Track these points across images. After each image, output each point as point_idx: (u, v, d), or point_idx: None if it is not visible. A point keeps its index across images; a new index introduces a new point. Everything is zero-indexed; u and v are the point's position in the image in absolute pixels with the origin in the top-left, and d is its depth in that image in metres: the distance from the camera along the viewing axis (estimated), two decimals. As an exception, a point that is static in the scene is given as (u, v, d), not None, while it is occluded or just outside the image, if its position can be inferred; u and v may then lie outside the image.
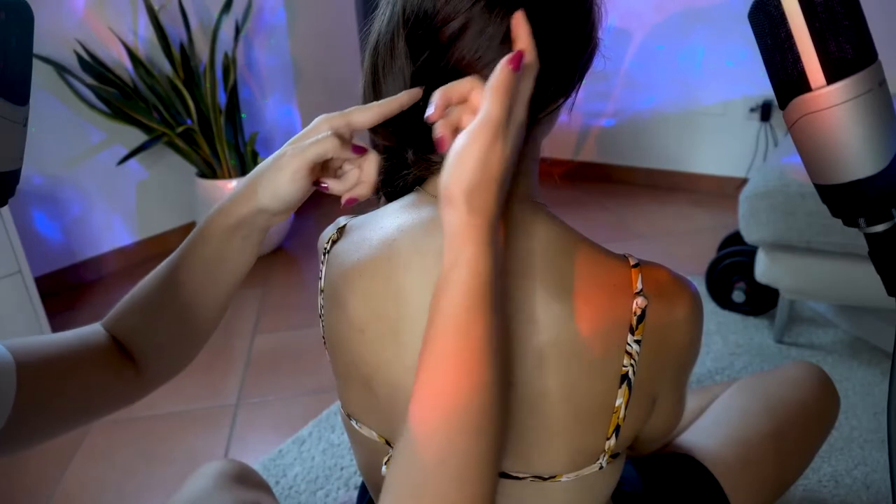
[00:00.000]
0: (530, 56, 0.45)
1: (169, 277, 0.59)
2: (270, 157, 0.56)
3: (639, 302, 0.50)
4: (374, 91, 0.55)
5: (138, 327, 0.60)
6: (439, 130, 0.47)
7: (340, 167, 0.58)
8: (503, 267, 0.46)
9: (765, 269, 1.62)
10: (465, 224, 0.42)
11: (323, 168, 0.57)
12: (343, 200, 0.58)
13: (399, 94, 0.52)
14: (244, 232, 0.58)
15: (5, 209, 1.75)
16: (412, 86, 0.51)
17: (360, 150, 0.56)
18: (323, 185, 0.57)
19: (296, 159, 0.54)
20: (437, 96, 0.46)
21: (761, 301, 1.82)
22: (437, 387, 0.42)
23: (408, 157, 0.55)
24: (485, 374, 0.42)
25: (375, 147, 0.58)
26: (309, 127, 0.56)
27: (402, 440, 0.44)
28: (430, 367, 0.43)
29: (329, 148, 0.53)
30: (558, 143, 3.30)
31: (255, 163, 2.47)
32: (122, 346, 0.60)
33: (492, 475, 0.43)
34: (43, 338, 0.54)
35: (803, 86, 0.43)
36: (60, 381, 0.52)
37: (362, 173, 0.57)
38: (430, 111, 0.46)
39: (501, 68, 0.44)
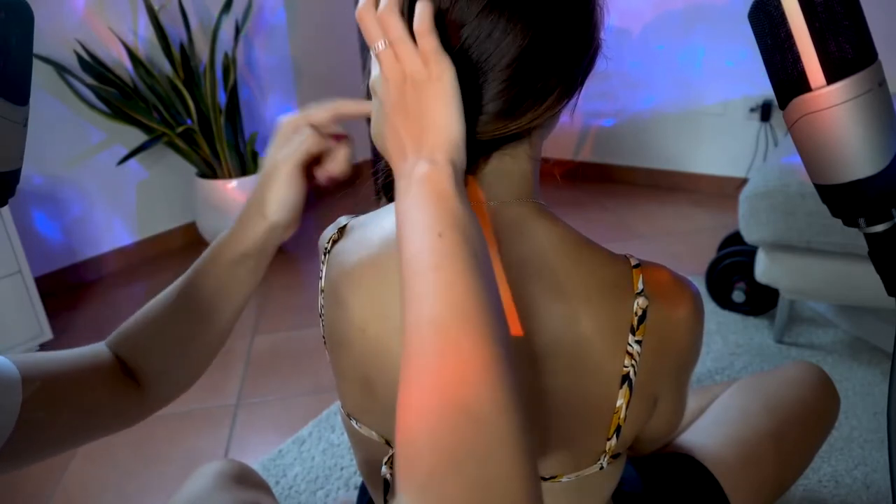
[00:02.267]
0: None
1: (175, 303, 0.59)
2: (258, 181, 0.58)
3: (640, 302, 0.50)
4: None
5: (143, 349, 0.60)
6: None
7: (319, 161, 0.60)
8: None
9: (765, 269, 1.62)
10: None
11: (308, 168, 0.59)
12: (322, 179, 0.60)
13: (364, 102, 0.54)
14: (254, 259, 0.59)
15: (5, 209, 1.75)
16: None
17: (340, 137, 0.59)
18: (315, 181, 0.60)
19: (286, 165, 0.56)
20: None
21: (761, 301, 1.82)
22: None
23: None
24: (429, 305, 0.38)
25: (376, 150, 0.58)
26: (277, 134, 0.58)
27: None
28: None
29: (311, 143, 0.56)
30: (558, 143, 3.30)
31: (255, 163, 2.47)
32: (125, 366, 0.60)
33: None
34: (48, 354, 0.54)
35: (803, 86, 0.43)
36: (65, 397, 0.52)
37: (337, 154, 0.59)
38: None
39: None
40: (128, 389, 0.59)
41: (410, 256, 0.40)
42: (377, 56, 0.45)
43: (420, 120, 0.44)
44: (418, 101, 0.44)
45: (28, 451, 0.50)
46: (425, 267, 0.39)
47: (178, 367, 0.63)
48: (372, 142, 0.58)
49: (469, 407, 0.36)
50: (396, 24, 0.43)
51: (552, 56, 0.47)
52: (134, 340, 0.60)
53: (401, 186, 0.44)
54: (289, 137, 0.57)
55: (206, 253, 0.60)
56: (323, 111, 0.57)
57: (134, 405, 0.60)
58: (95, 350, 0.58)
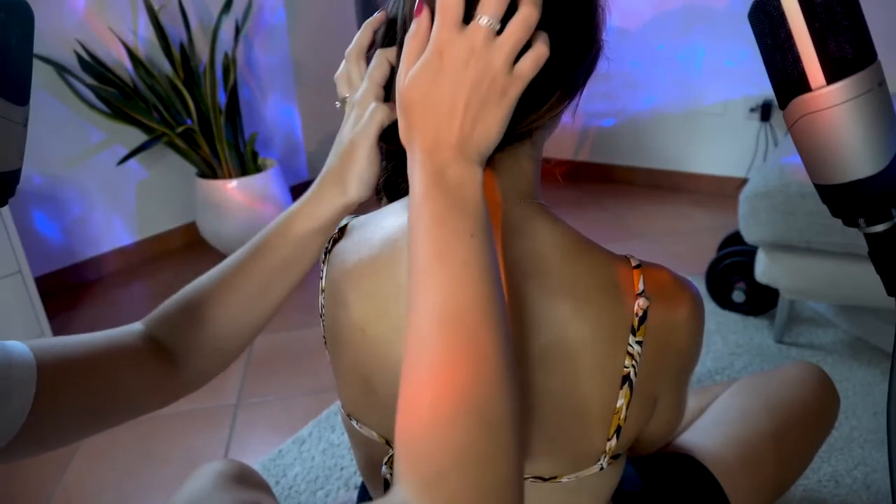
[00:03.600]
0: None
1: (226, 280, 0.59)
2: (335, 156, 0.57)
3: (640, 303, 0.50)
4: (386, 88, 0.56)
5: (181, 327, 0.59)
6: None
7: None
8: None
9: (765, 269, 1.62)
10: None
11: None
12: None
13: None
14: (326, 232, 0.59)
15: (5, 209, 1.75)
16: None
17: None
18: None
19: (365, 141, 0.55)
20: None
21: (761, 301, 1.82)
22: (420, 310, 0.39)
23: None
24: (461, 303, 0.39)
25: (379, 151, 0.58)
26: (351, 108, 0.57)
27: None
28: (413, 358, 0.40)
29: (383, 116, 0.54)
30: (558, 143, 3.30)
31: (255, 163, 2.47)
32: (161, 345, 0.59)
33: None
34: (66, 338, 0.53)
35: (803, 86, 0.43)
36: (83, 382, 0.51)
37: None
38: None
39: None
40: (158, 369, 0.57)
41: (437, 251, 0.40)
42: (474, 28, 0.41)
43: (478, 114, 0.42)
44: (488, 96, 0.42)
45: (47, 435, 0.50)
46: (455, 262, 0.39)
47: (219, 346, 0.61)
48: (377, 144, 0.58)
49: (481, 409, 0.36)
50: (533, 11, 0.41)
51: (554, 58, 0.47)
52: (173, 318, 0.59)
53: (426, 172, 0.42)
54: (358, 110, 0.56)
55: (273, 227, 0.59)
56: (382, 66, 0.55)
57: (165, 384, 0.59)
58: (125, 330, 0.58)
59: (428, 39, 0.42)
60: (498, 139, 0.43)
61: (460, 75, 0.41)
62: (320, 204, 0.58)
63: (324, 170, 0.58)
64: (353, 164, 0.56)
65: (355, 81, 0.59)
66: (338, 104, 0.61)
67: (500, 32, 0.42)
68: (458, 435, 0.36)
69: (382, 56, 0.55)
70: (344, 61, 0.60)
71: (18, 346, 0.48)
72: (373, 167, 0.56)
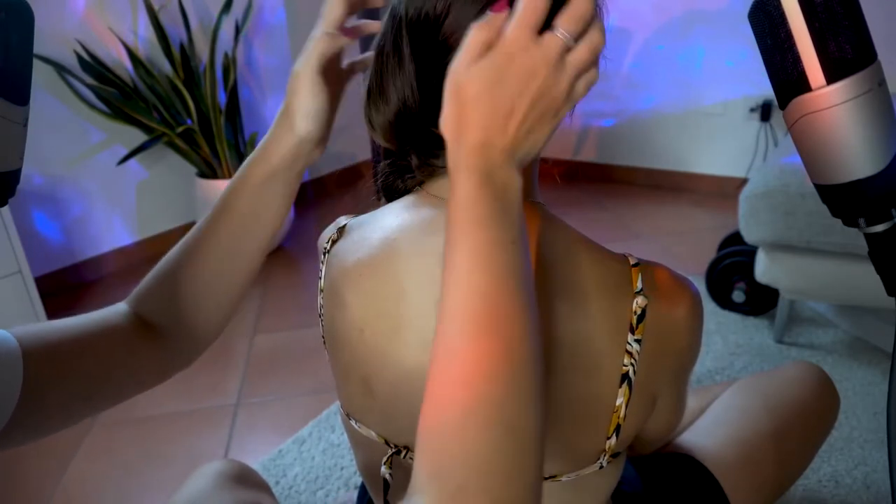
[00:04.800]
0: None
1: (196, 243, 0.58)
2: (285, 97, 0.57)
3: (639, 301, 0.50)
4: (380, 90, 0.55)
5: (163, 298, 0.58)
6: None
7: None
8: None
9: (765, 269, 1.62)
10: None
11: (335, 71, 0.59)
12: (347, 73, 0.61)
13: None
14: (282, 178, 0.58)
15: (5, 209, 1.75)
16: (418, 86, 0.51)
17: (352, 32, 0.58)
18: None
19: (304, 72, 0.55)
20: None
21: (761, 301, 1.82)
22: (456, 309, 0.39)
23: (411, 162, 0.55)
24: (502, 311, 0.38)
25: (376, 150, 0.58)
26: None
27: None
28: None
29: (324, 46, 0.55)
30: (558, 143, 3.30)
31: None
32: (146, 321, 0.58)
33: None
34: (52, 323, 0.52)
35: (803, 86, 0.43)
36: (71, 366, 0.51)
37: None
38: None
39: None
40: (146, 347, 0.57)
41: (478, 254, 0.39)
42: (551, 39, 0.40)
43: (533, 125, 0.41)
44: (546, 111, 0.41)
45: (40, 422, 0.49)
46: (497, 268, 0.39)
47: (201, 314, 0.60)
48: (372, 141, 0.58)
49: (513, 423, 0.36)
50: (601, 39, 0.42)
51: None
52: (153, 291, 0.58)
53: (476, 170, 0.41)
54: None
55: (233, 180, 0.59)
56: (336, 6, 0.55)
57: (154, 361, 0.58)
58: (109, 312, 0.57)
59: (499, 35, 0.41)
60: (540, 152, 0.44)
61: (528, 84, 0.40)
62: (271, 146, 0.57)
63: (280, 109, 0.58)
64: (296, 98, 0.56)
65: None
66: None
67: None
68: (485, 449, 0.35)
69: None
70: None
71: (2, 335, 0.47)
72: (317, 99, 0.55)
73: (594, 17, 0.41)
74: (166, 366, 0.59)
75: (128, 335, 0.56)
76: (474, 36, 0.41)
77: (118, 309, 0.58)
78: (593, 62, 0.42)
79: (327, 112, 0.57)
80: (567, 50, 0.41)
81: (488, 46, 0.41)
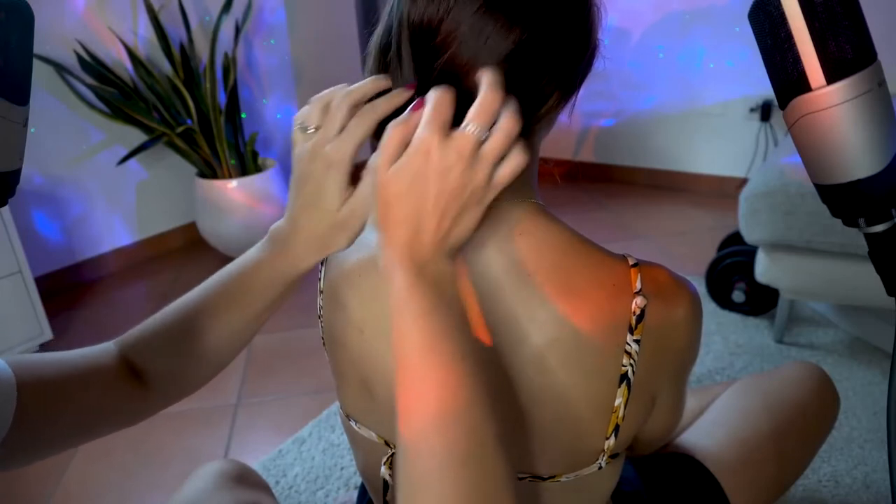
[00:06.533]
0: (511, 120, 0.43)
1: (196, 310, 0.58)
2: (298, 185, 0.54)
3: (638, 301, 0.50)
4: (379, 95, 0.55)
5: (154, 350, 0.58)
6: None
7: None
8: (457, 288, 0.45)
9: (765, 269, 1.62)
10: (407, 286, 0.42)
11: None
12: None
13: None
14: (299, 282, 0.58)
15: (5, 209, 1.75)
16: (417, 90, 0.51)
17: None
18: None
19: (342, 161, 0.51)
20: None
21: (761, 301, 1.82)
22: (418, 402, 0.41)
23: None
24: (462, 397, 0.41)
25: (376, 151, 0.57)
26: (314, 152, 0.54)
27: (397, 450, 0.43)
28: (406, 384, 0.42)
29: (360, 141, 0.50)
30: (558, 143, 3.30)
31: (255, 163, 2.47)
32: (134, 367, 0.59)
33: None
34: (46, 356, 0.53)
35: (803, 86, 0.43)
36: (63, 399, 0.51)
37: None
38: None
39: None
40: (131, 390, 0.57)
41: (428, 344, 0.42)
42: (462, 135, 0.41)
43: (457, 217, 0.43)
44: (468, 202, 0.43)
45: (26, 451, 0.50)
46: (448, 356, 0.42)
47: (190, 372, 0.61)
48: (372, 142, 0.58)
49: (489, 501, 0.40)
50: (514, 125, 0.42)
51: (547, 56, 0.47)
52: (148, 342, 0.58)
53: (406, 266, 0.42)
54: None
55: (239, 269, 0.58)
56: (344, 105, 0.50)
57: (137, 405, 0.59)
58: (100, 350, 0.57)
59: (413, 133, 0.42)
60: (470, 236, 0.45)
61: (445, 180, 0.42)
62: (256, 268, 0.57)
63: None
64: (322, 201, 0.53)
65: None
66: (309, 129, 0.55)
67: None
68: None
69: (372, 113, 0.49)
70: (330, 91, 0.53)
71: None
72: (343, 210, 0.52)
73: (503, 105, 0.42)
74: (148, 405, 0.60)
75: (115, 376, 0.57)
76: (391, 135, 0.43)
77: (107, 349, 0.58)
78: (510, 147, 0.43)
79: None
80: (481, 142, 0.42)
81: (405, 145, 0.43)
